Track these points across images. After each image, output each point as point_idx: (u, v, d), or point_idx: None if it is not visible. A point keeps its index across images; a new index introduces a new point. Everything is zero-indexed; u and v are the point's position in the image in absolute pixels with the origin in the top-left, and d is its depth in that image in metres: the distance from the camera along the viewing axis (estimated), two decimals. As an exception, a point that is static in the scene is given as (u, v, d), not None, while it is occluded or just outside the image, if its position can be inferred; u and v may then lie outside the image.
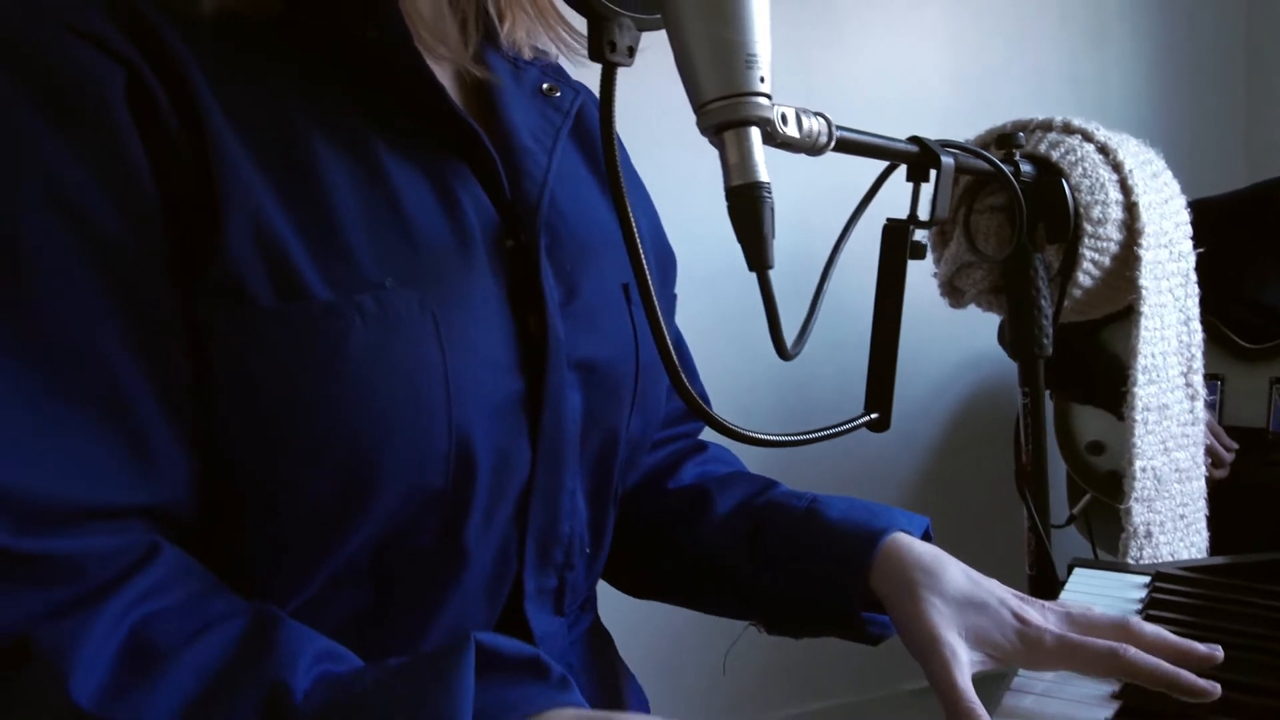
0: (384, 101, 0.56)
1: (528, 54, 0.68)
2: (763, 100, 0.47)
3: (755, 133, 0.47)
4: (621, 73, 0.51)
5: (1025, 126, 0.96)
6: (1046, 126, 0.95)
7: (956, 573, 0.64)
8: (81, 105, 0.47)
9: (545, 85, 0.66)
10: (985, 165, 0.76)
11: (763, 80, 0.47)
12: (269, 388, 0.49)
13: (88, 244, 0.47)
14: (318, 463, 0.50)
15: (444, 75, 0.62)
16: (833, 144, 0.55)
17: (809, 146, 0.54)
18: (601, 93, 0.51)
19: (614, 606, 0.80)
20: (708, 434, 0.75)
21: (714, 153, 0.49)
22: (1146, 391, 1.02)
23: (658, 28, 0.53)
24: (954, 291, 0.96)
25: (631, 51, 0.52)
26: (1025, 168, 0.89)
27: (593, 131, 0.70)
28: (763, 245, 0.47)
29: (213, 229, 0.49)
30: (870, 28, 2.31)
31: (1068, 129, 0.95)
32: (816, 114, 0.55)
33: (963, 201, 0.96)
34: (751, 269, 0.48)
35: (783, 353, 0.52)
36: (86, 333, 0.47)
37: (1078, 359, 1.98)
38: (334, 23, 0.55)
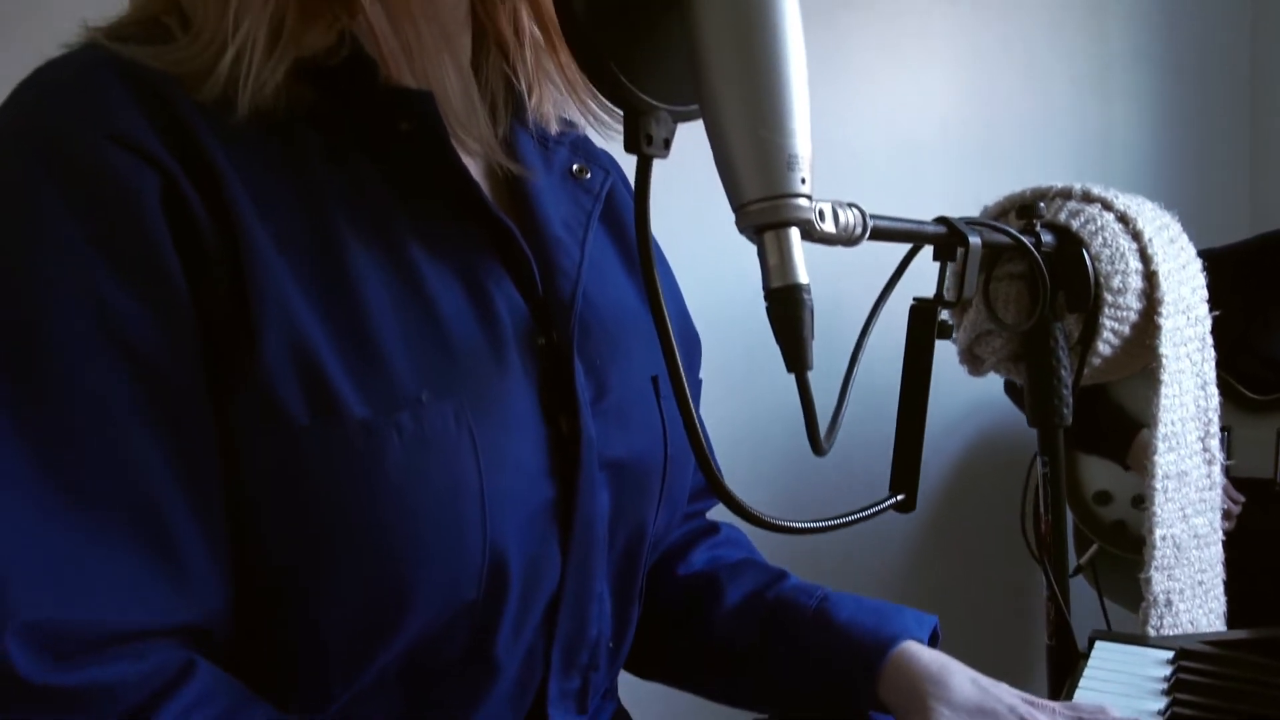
0: (417, 195, 0.56)
1: (555, 127, 0.68)
2: (803, 202, 0.46)
3: (795, 233, 0.47)
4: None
5: (1045, 195, 0.96)
6: (1066, 195, 0.95)
7: (964, 681, 0.64)
8: (119, 216, 0.47)
9: (575, 167, 0.66)
10: (1009, 240, 0.76)
11: (804, 181, 0.46)
12: (303, 503, 0.48)
13: (123, 358, 0.47)
14: (352, 578, 0.49)
15: (475, 166, 0.61)
16: (868, 234, 0.55)
17: (846, 239, 0.53)
18: (636, 186, 0.50)
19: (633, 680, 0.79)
20: (720, 511, 0.74)
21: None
22: (1166, 459, 1.01)
23: (694, 119, 0.52)
24: (973, 359, 0.96)
25: (667, 144, 0.52)
26: (1046, 238, 0.88)
27: (622, 211, 0.70)
28: (802, 348, 0.47)
29: (249, 345, 0.48)
30: (876, 70, 2.32)
31: (1087, 197, 0.95)
32: (850, 205, 0.54)
33: (982, 268, 0.96)
34: (790, 370, 0.48)
35: (817, 449, 0.51)
36: (122, 450, 0.46)
37: (1084, 410, 1.98)
38: (367, 116, 0.54)
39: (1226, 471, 1.99)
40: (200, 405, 0.48)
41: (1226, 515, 1.91)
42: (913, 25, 2.35)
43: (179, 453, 0.47)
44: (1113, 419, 1.95)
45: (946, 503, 2.41)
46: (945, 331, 0.69)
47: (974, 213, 2.61)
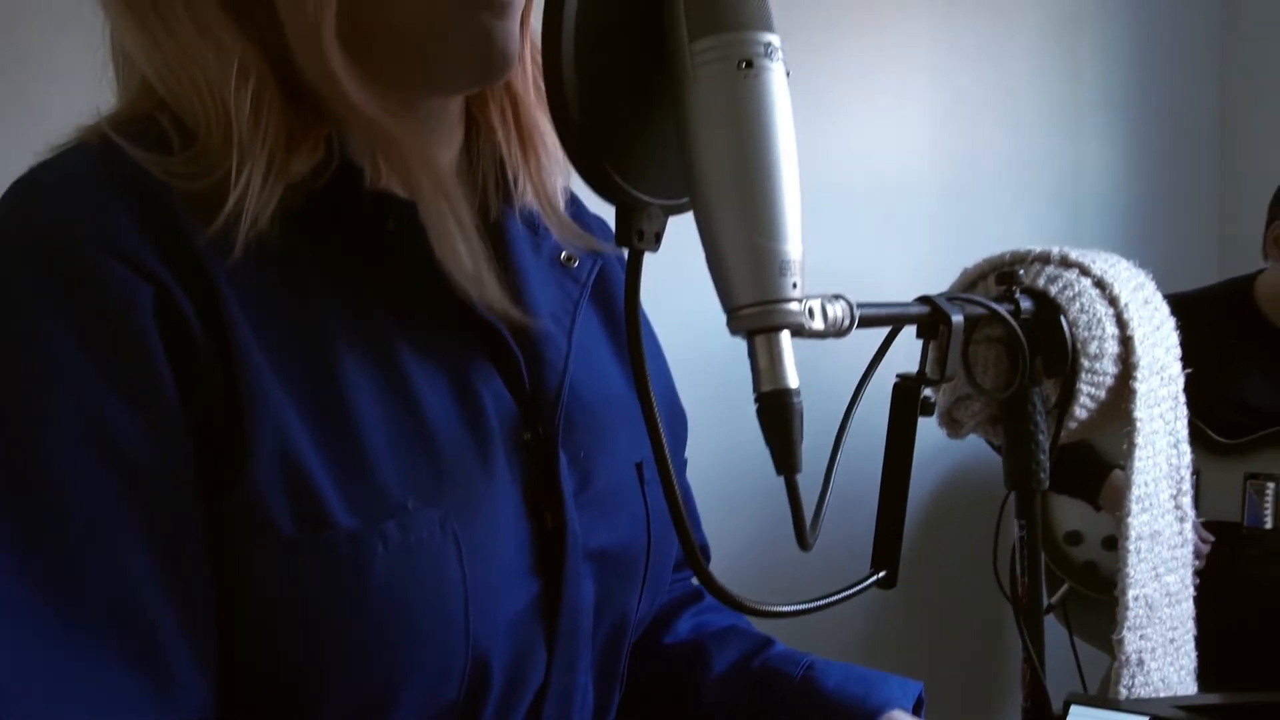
0: (406, 298, 0.56)
1: (545, 198, 0.68)
2: (794, 306, 0.47)
3: (785, 336, 0.48)
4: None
5: (1023, 259, 0.98)
6: (1044, 259, 0.96)
7: None
8: (113, 328, 0.48)
9: (564, 255, 0.66)
10: (992, 310, 0.77)
11: (795, 285, 0.47)
12: (289, 610, 0.49)
13: (115, 470, 0.47)
14: (336, 683, 0.49)
15: (465, 248, 0.61)
16: (856, 325, 0.55)
17: (835, 333, 0.54)
18: (628, 280, 0.51)
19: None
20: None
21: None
22: (1139, 520, 1.02)
23: (686, 211, 0.53)
24: (952, 422, 0.97)
25: (658, 238, 0.52)
26: (1025, 304, 0.89)
27: (612, 287, 0.70)
28: (792, 451, 0.47)
29: (240, 456, 0.48)
30: (855, 110, 2.34)
31: (1065, 262, 0.96)
32: (836, 297, 0.55)
33: (959, 337, 0.97)
34: (779, 473, 0.48)
35: (803, 544, 0.52)
36: (112, 562, 0.46)
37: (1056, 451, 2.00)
38: (354, 219, 0.55)
39: (1195, 512, 2.01)
40: (191, 516, 0.48)
41: (1196, 554, 1.94)
42: (891, 67, 2.37)
43: (169, 563, 0.47)
44: (1085, 460, 1.97)
45: (920, 538, 2.43)
46: (928, 409, 0.69)
47: (951, 252, 2.64)
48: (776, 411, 0.47)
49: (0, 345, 0.47)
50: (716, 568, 0.85)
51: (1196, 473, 1.96)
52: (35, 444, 0.46)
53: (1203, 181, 2.92)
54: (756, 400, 0.47)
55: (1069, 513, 2.07)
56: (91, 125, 0.54)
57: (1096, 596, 2.00)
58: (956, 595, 2.40)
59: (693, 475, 0.86)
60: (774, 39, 0.48)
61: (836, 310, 0.54)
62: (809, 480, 0.57)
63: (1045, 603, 2.24)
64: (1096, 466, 1.95)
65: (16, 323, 0.47)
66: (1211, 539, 1.92)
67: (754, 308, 0.46)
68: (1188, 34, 2.86)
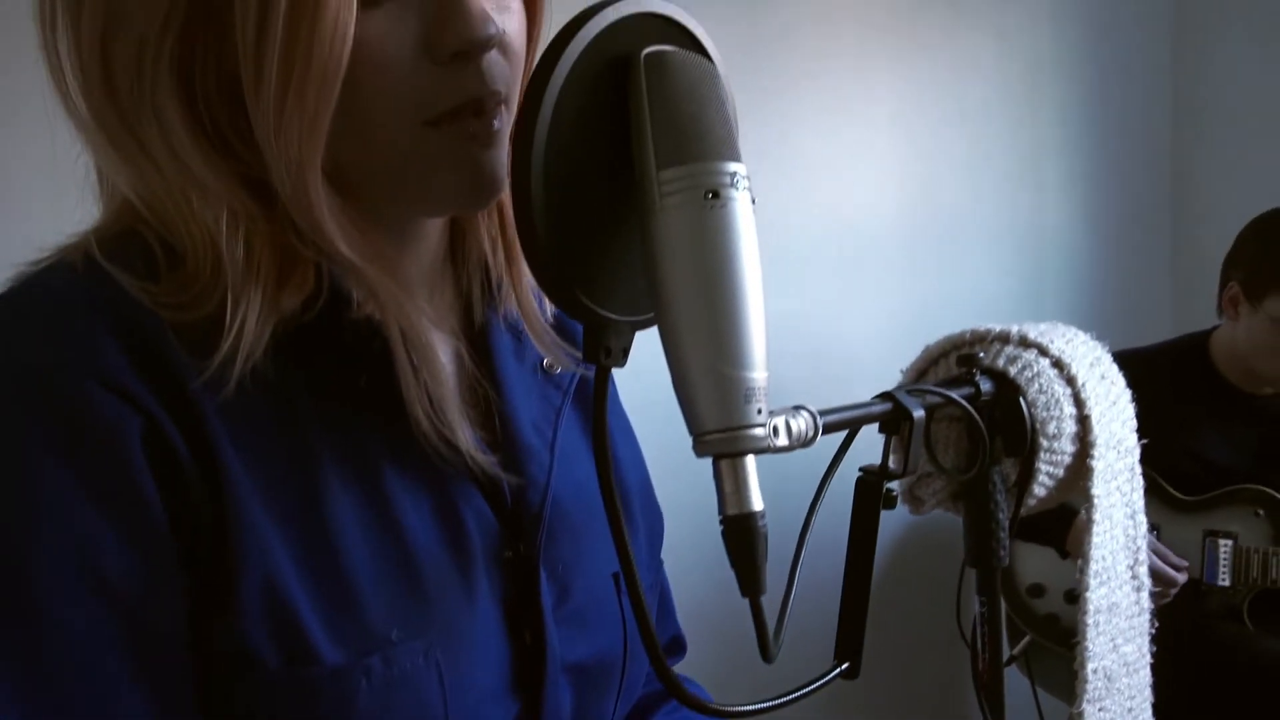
0: (391, 417, 0.57)
1: (527, 306, 0.68)
2: (759, 431, 0.48)
3: (750, 460, 0.48)
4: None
5: (983, 338, 0.99)
6: (1004, 339, 0.98)
7: None
8: (103, 459, 0.48)
9: (546, 361, 0.67)
10: (952, 400, 0.79)
11: (760, 411, 0.48)
12: None
13: (107, 603, 0.48)
14: None
15: (448, 352, 0.62)
16: (820, 434, 0.57)
17: (800, 445, 0.55)
18: (596, 396, 0.52)
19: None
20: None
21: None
22: (1098, 594, 1.03)
23: (652, 325, 0.54)
24: (914, 500, 0.98)
25: (625, 353, 0.53)
26: (985, 386, 0.91)
27: (591, 389, 0.71)
28: (756, 574, 0.48)
29: (227, 586, 0.49)
30: (821, 162, 2.37)
31: (1024, 342, 0.98)
32: (798, 409, 0.56)
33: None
34: (744, 595, 0.49)
35: (766, 657, 0.53)
36: (102, 694, 0.47)
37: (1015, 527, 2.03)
38: (341, 341, 0.55)
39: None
40: (180, 644, 0.49)
41: (1171, 583, 1.95)
42: (854, 121, 2.41)
43: (158, 697, 0.48)
44: (1050, 507, 1.99)
45: (881, 585, 2.44)
46: (890, 503, 0.70)
47: (915, 302, 2.67)
48: (741, 535, 0.48)
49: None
50: (695, 641, 0.86)
51: (1156, 528, 1.99)
52: (25, 578, 0.46)
53: (1159, 230, 2.98)
54: (722, 522, 0.48)
55: (1032, 566, 2.09)
56: (75, 243, 0.54)
57: (1058, 649, 2.02)
58: (921, 643, 2.41)
59: (674, 532, 0.86)
60: (740, 168, 0.49)
61: (800, 424, 0.55)
62: (770, 576, 0.58)
63: (1007, 655, 2.26)
64: (1062, 513, 1.98)
65: (6, 453, 0.47)
66: (1185, 564, 1.94)
67: (719, 434, 0.47)
68: (1142, 88, 2.93)
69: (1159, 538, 1.99)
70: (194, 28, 0.51)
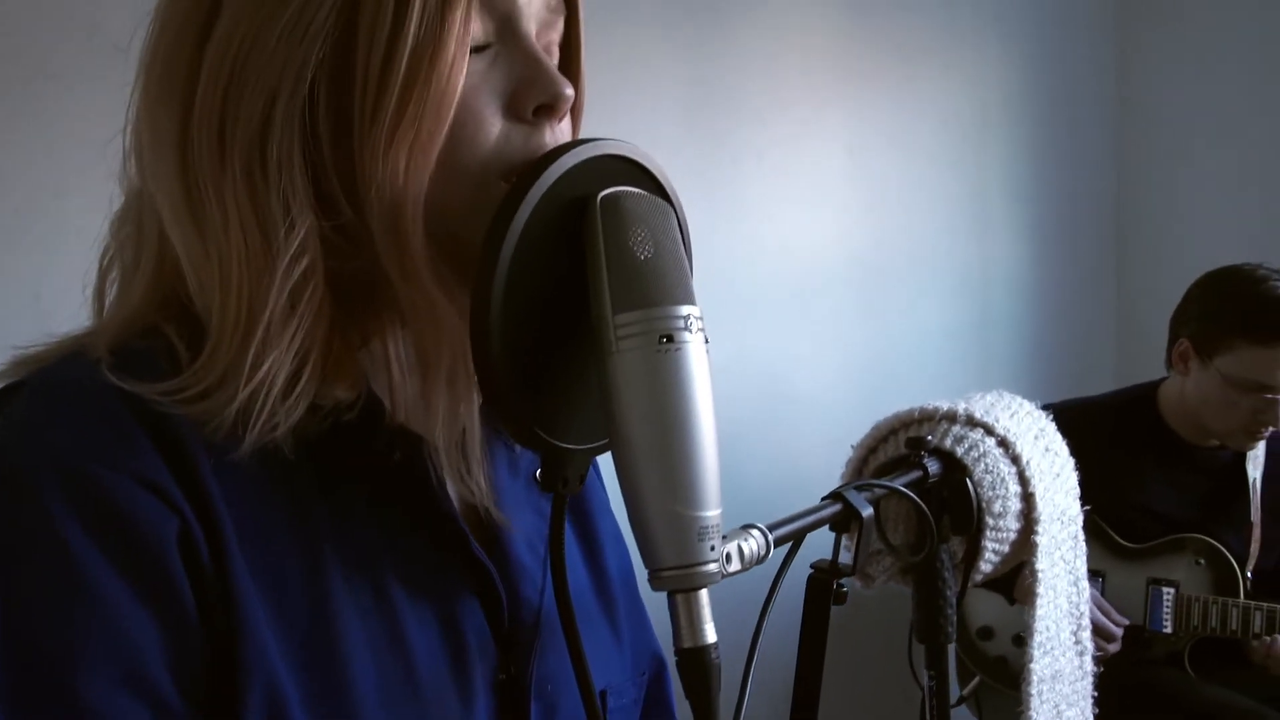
0: (403, 527, 0.58)
1: None
2: (712, 567, 0.50)
3: (704, 593, 0.50)
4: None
5: (931, 416, 1.02)
6: (951, 418, 1.01)
7: None
8: (148, 560, 0.49)
9: (539, 473, 0.68)
10: (900, 492, 0.81)
11: (713, 548, 0.50)
12: None
13: (147, 702, 0.48)
14: None
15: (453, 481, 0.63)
16: (772, 550, 0.58)
17: (755, 563, 0.57)
18: (552, 523, 0.53)
19: None
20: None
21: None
22: (1041, 664, 1.06)
23: (608, 450, 0.55)
24: (865, 576, 1.00)
25: (582, 479, 0.55)
26: (933, 467, 0.93)
27: (582, 498, 0.72)
28: (710, 704, 0.49)
29: (232, 696, 0.50)
30: (771, 212, 2.40)
31: (970, 421, 1.00)
32: (750, 528, 0.58)
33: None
34: (698, 721, 0.50)
35: None
36: None
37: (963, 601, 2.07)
38: (363, 447, 0.56)
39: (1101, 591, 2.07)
40: None
41: (1110, 638, 1.99)
42: (806, 165, 2.45)
43: None
44: (995, 555, 2.02)
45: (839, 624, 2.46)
46: (841, 599, 0.72)
47: (866, 342, 2.68)
48: (696, 668, 0.49)
49: (37, 572, 0.48)
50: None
51: (1101, 575, 2.03)
52: (69, 668, 0.47)
53: (1104, 271, 3.05)
54: (677, 654, 0.50)
55: (981, 609, 2.12)
56: (93, 335, 0.55)
57: (1006, 691, 2.05)
58: (871, 683, 2.44)
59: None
60: (693, 310, 0.51)
61: (752, 545, 0.57)
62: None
63: (958, 696, 2.29)
64: (1008, 562, 2.01)
65: (50, 549, 0.48)
66: (1126, 622, 1.98)
67: (675, 571, 0.49)
68: (1087, 133, 3.00)
69: (1104, 584, 2.03)
70: (319, 76, 0.54)
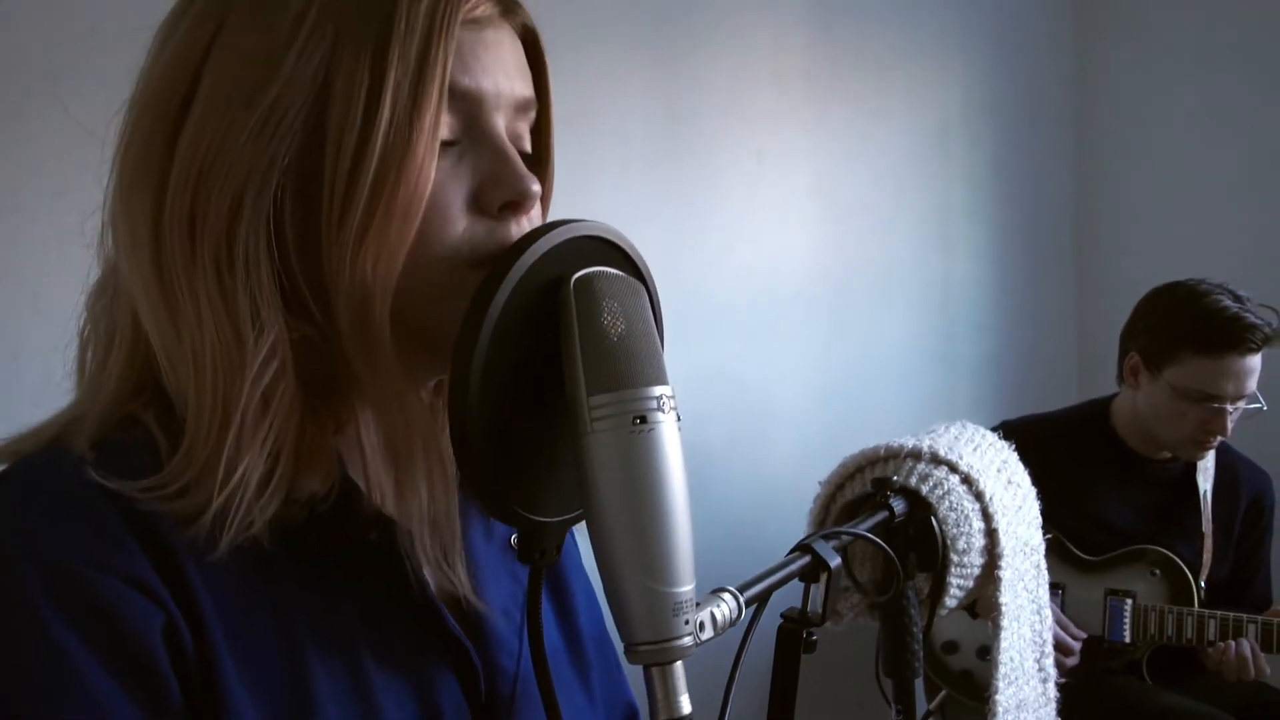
0: (381, 608, 0.58)
1: None
2: (687, 641, 0.51)
3: (679, 665, 0.51)
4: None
5: (897, 454, 1.04)
6: (916, 455, 1.03)
7: None
8: (135, 655, 0.50)
9: (513, 539, 0.69)
10: (867, 539, 0.83)
11: (688, 622, 0.51)
12: None
13: None
14: None
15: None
16: (744, 612, 0.59)
17: (729, 626, 0.58)
18: (529, 593, 0.54)
19: None
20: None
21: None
22: (1006, 695, 1.08)
23: (582, 519, 0.56)
24: (834, 614, 1.01)
25: (559, 549, 0.56)
26: (898, 506, 0.95)
27: (557, 563, 0.73)
28: None
29: None
30: (740, 231, 2.42)
31: (935, 459, 1.02)
32: (722, 593, 0.59)
33: (838, 524, 1.02)
34: (676, 794, 0.51)
35: None
36: None
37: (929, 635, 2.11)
38: (339, 530, 0.56)
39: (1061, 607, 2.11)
40: None
41: (1069, 651, 2.03)
42: (773, 184, 2.47)
43: None
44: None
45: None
46: (810, 648, 0.73)
47: (833, 356, 2.69)
48: None
49: (24, 665, 0.48)
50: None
51: (1062, 588, 2.07)
52: None
53: (1064, 285, 3.10)
54: None
55: (947, 623, 2.15)
56: (69, 426, 0.56)
57: (971, 704, 2.09)
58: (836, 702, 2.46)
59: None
60: (665, 390, 0.52)
61: (724, 611, 0.58)
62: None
63: (925, 710, 2.32)
64: (971, 576, 2.04)
65: (39, 647, 0.48)
66: (1084, 636, 2.02)
67: (650, 646, 0.50)
68: (1045, 151, 3.05)
69: (1064, 597, 2.07)
70: (287, 173, 0.55)
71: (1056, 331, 3.07)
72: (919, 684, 1.02)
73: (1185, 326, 2.00)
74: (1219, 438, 2.02)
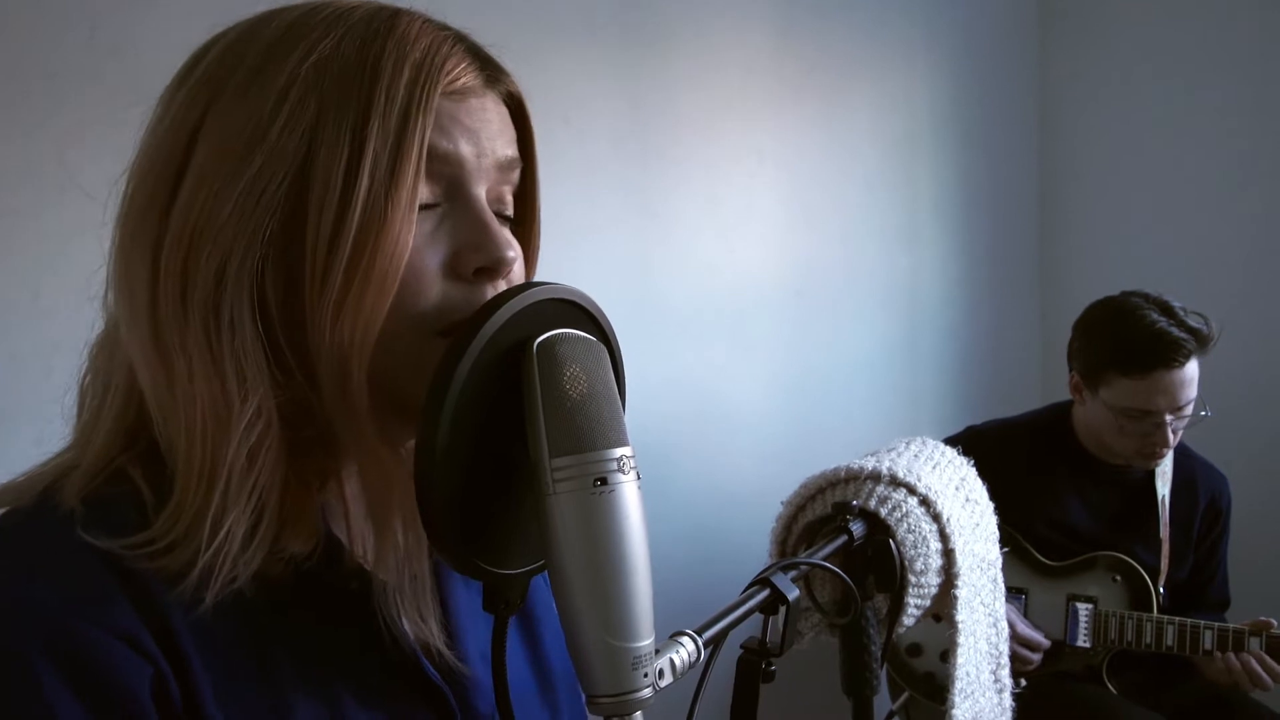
0: (359, 656, 0.60)
1: None
2: (646, 693, 0.53)
3: (639, 715, 0.53)
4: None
5: (857, 476, 1.06)
6: (875, 478, 1.05)
7: None
8: (118, 701, 0.51)
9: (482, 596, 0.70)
10: (825, 568, 0.85)
11: (646, 675, 0.53)
12: None
13: None
14: None
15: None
16: (704, 657, 0.61)
17: (686, 672, 0.60)
18: (495, 642, 0.56)
19: None
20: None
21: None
22: (963, 709, 1.11)
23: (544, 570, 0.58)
24: (795, 634, 1.04)
25: (523, 596, 0.57)
26: (857, 530, 0.98)
27: (528, 604, 0.74)
28: None
29: None
30: (704, 231, 2.43)
31: (894, 481, 1.04)
32: (681, 637, 0.61)
33: (800, 545, 1.05)
34: (635, 841, 0.53)
35: None
36: None
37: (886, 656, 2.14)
38: (320, 580, 0.58)
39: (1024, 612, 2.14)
40: None
41: (1036, 648, 2.05)
42: (738, 185, 2.48)
43: None
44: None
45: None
46: (769, 678, 0.75)
47: (799, 356, 2.70)
48: None
49: (14, 714, 0.50)
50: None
51: (1024, 593, 2.11)
52: None
53: (1027, 288, 3.14)
54: None
55: (912, 626, 2.19)
56: (56, 480, 0.57)
57: (933, 705, 2.12)
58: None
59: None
60: (625, 451, 0.54)
61: (683, 655, 0.60)
62: None
63: (888, 711, 2.34)
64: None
65: (33, 700, 0.50)
66: (1047, 644, 2.04)
67: (610, 699, 0.52)
68: (1010, 152, 3.09)
69: (1026, 602, 2.10)
70: (271, 241, 0.56)
71: (1021, 333, 3.11)
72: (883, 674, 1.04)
73: (1107, 349, 2.01)
74: (1165, 448, 2.04)
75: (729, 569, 1.89)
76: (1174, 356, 1.93)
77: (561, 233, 2.17)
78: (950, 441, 2.27)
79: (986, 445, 2.12)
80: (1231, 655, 1.94)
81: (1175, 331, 1.94)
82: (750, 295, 2.51)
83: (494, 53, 0.64)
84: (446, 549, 0.54)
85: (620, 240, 2.27)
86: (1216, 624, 1.98)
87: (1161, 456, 2.07)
